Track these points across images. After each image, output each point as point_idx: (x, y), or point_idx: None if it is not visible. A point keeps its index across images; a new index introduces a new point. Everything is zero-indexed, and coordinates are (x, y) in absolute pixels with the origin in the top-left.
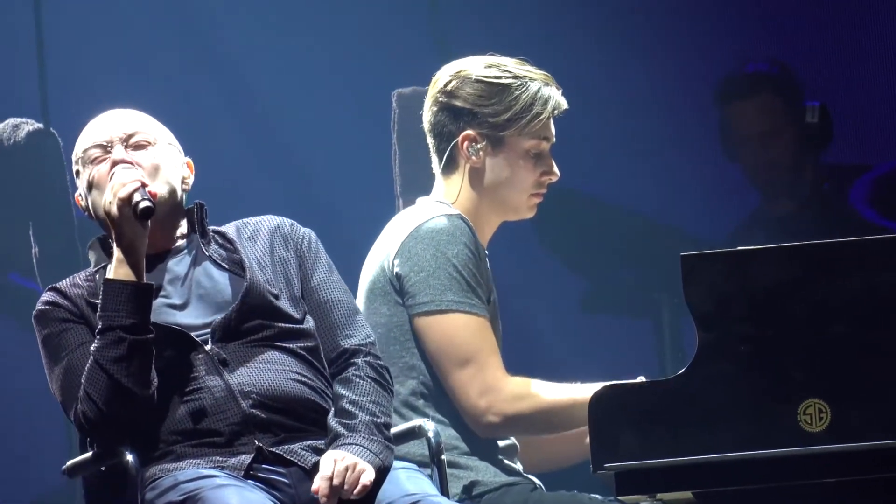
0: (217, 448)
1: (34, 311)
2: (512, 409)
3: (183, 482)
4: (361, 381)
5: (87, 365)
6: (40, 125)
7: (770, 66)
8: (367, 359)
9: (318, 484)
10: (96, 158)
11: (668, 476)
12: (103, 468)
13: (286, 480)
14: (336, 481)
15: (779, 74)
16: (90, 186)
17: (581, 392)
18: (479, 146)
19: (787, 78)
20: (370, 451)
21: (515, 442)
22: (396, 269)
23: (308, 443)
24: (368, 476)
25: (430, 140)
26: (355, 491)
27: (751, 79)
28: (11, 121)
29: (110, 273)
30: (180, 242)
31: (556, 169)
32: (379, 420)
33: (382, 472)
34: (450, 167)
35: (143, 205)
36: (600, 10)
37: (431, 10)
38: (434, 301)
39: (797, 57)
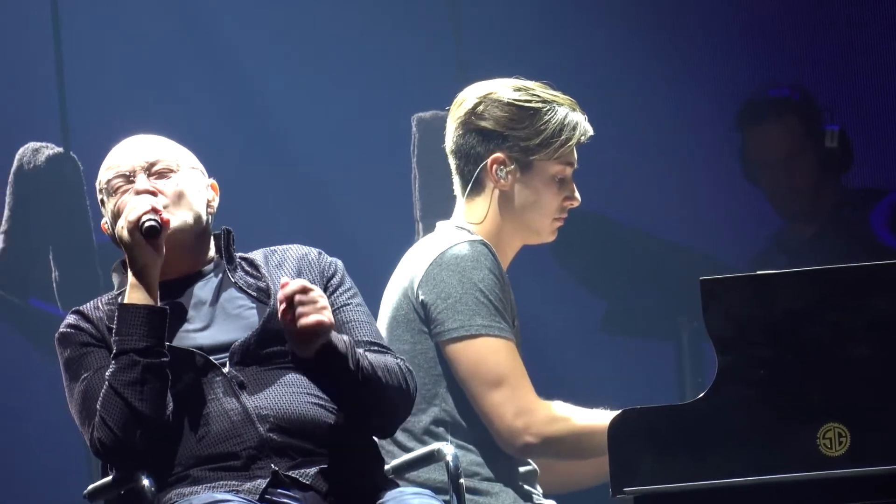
0: (233, 472)
1: (56, 334)
2: (549, 431)
3: None
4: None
5: (103, 390)
6: (60, 149)
7: (791, 92)
8: (399, 361)
9: (288, 282)
10: (119, 188)
11: (687, 500)
12: (122, 492)
13: None
14: (303, 296)
15: (800, 100)
16: (115, 216)
17: (610, 419)
18: (507, 169)
19: (808, 103)
20: (344, 342)
21: (535, 467)
22: (422, 297)
23: (324, 467)
24: (328, 317)
25: (452, 162)
26: (310, 317)
27: (772, 104)
28: (31, 145)
29: (125, 297)
30: (206, 267)
31: (577, 194)
32: (363, 362)
33: (332, 349)
34: (475, 190)
35: (147, 224)
36: (624, 35)
37: (453, 35)
38: (464, 326)
39: (817, 82)
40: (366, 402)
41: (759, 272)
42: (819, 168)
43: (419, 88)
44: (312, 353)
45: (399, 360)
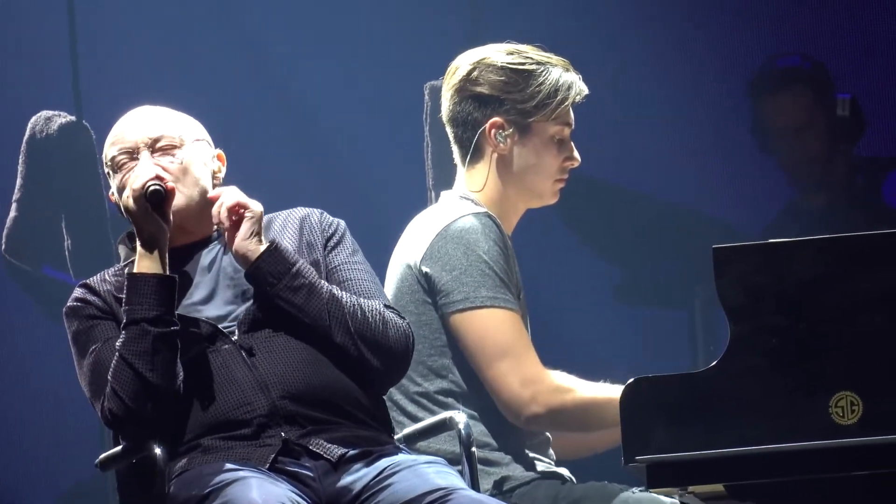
0: (244, 440)
1: (65, 308)
2: (555, 400)
3: (207, 475)
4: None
5: (113, 360)
6: (73, 118)
7: (801, 61)
8: (390, 311)
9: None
10: (124, 165)
11: (699, 468)
12: (134, 461)
13: (311, 474)
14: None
15: (810, 69)
16: (121, 191)
17: (616, 392)
18: (506, 133)
19: (818, 72)
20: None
21: (548, 434)
22: (425, 269)
23: (335, 435)
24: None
25: (450, 130)
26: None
27: (782, 73)
28: (44, 113)
29: (134, 267)
30: (212, 234)
31: (577, 154)
32: (322, 284)
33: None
34: (474, 157)
35: (152, 188)
36: (636, 5)
37: (468, 3)
38: (469, 298)
39: (828, 50)
40: (336, 335)
41: (771, 240)
42: (831, 137)
43: (431, 56)
44: (253, 252)
45: (392, 311)
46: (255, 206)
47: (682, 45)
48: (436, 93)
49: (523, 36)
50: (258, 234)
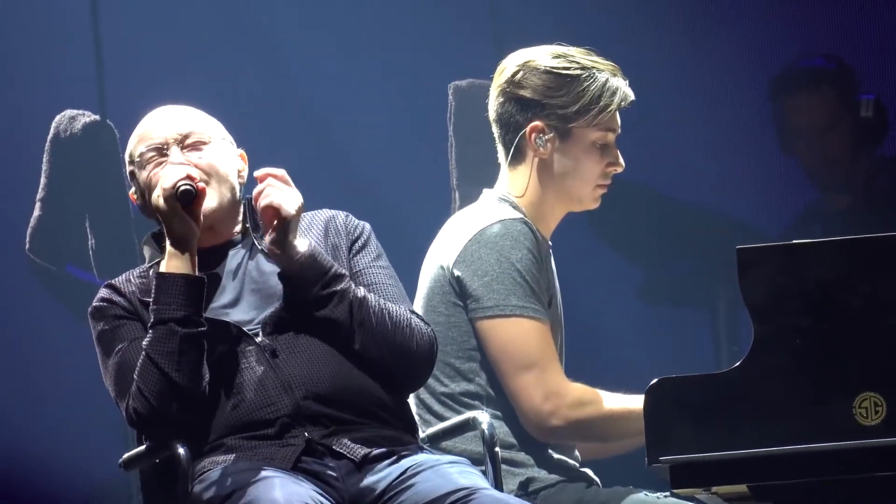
0: (267, 440)
1: (90, 308)
2: (575, 415)
3: (230, 475)
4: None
5: (140, 360)
6: (97, 117)
7: (826, 61)
8: (416, 317)
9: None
10: (152, 161)
11: (722, 469)
12: (157, 461)
13: (334, 473)
14: (274, 180)
15: (834, 69)
16: (148, 188)
17: (637, 403)
18: (546, 137)
19: (842, 72)
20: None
21: None
22: (457, 273)
23: (359, 435)
24: (288, 203)
25: (495, 129)
26: (266, 199)
27: (806, 73)
28: (68, 112)
29: (162, 267)
30: (237, 236)
31: (621, 160)
32: (353, 291)
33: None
34: (516, 158)
35: (183, 188)
36: (659, 4)
37: (490, 2)
38: (498, 305)
39: (852, 50)
40: (362, 341)
41: (795, 241)
42: (854, 138)
43: (456, 56)
44: (284, 253)
45: (417, 317)
46: (290, 206)
47: (704, 44)
48: (460, 93)
49: (542, 36)
50: (294, 235)
